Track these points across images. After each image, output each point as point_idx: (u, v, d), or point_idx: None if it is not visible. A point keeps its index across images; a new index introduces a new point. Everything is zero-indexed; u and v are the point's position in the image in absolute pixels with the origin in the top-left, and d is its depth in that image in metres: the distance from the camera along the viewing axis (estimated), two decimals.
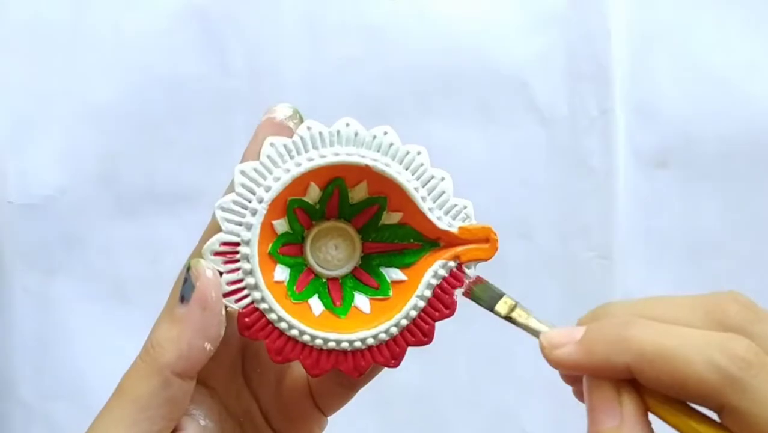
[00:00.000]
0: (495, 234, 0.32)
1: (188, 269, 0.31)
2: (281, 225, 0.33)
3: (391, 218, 0.34)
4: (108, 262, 0.56)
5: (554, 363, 0.29)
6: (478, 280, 0.32)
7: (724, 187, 0.56)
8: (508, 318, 0.32)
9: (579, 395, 0.29)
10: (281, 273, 0.33)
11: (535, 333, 0.31)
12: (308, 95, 0.56)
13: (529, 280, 0.56)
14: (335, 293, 0.34)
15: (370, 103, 0.56)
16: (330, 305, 0.34)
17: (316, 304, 0.34)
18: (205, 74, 0.56)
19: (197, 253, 0.32)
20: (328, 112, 0.33)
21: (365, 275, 0.35)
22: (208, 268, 0.31)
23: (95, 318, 0.56)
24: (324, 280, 0.34)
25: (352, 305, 0.34)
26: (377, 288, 0.34)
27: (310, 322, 0.32)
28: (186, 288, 0.31)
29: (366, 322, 0.33)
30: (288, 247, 0.34)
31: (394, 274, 0.34)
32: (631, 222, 0.56)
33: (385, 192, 0.33)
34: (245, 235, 0.32)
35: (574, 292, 0.56)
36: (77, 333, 0.56)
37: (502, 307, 0.32)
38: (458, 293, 0.33)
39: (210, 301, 0.30)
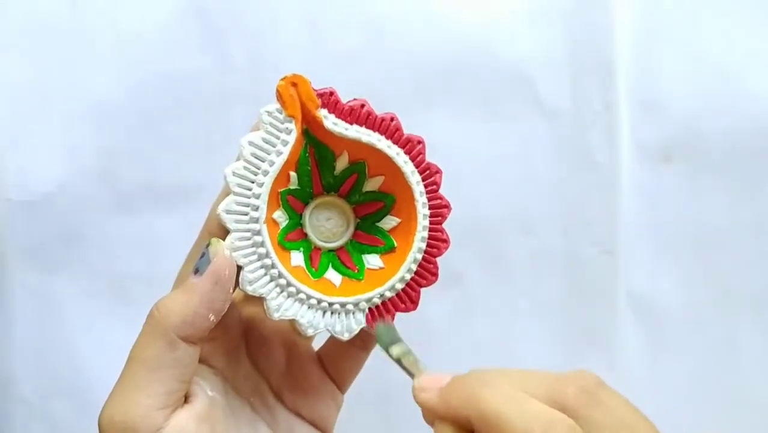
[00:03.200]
0: None
1: (208, 245, 0.32)
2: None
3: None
4: (108, 258, 0.56)
5: (418, 404, 0.32)
6: (389, 321, 0.35)
7: (729, 181, 0.56)
8: (398, 361, 0.34)
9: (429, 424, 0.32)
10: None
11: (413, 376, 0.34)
12: None
13: (533, 275, 0.56)
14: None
15: (372, 96, 0.55)
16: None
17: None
18: (204, 69, 0.56)
19: (217, 203, 0.33)
20: None
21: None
22: (227, 249, 0.32)
23: (95, 315, 0.56)
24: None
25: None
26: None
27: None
28: (202, 262, 0.32)
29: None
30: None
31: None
32: (635, 217, 0.55)
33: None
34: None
35: (578, 287, 0.55)
36: (77, 330, 0.56)
37: (395, 349, 0.35)
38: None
39: (223, 277, 0.32)
